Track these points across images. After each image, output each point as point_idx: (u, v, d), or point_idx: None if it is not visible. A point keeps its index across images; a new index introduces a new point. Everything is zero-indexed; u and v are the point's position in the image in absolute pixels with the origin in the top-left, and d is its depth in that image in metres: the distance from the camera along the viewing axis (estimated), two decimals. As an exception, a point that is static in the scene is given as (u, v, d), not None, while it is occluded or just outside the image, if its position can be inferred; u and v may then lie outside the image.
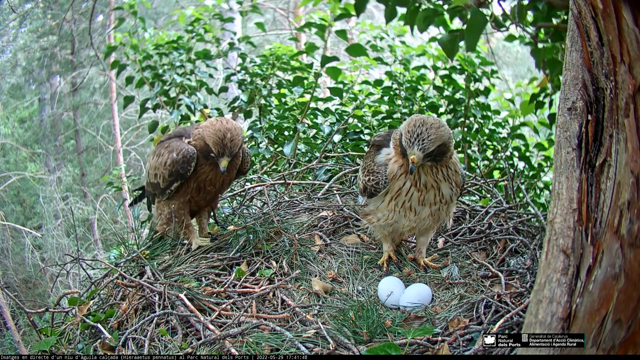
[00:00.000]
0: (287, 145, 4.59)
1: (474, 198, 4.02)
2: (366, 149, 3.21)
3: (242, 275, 2.72)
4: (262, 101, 5.20)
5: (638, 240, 1.48)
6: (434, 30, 4.98)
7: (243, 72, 5.29)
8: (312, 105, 4.94)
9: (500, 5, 4.27)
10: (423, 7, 3.95)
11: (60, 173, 14.55)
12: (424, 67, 5.20)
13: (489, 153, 5.34)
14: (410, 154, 2.38)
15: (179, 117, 5.25)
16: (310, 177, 4.33)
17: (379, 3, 4.13)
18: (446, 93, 5.18)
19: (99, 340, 2.38)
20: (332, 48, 13.05)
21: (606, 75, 1.59)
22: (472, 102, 5.05)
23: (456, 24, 4.49)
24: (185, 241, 3.12)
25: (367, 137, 4.75)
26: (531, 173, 5.19)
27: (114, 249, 3.45)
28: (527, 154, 5.21)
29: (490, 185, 3.85)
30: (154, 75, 5.37)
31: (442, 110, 5.21)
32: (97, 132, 15.32)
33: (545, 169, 5.19)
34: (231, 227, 3.04)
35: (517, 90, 5.48)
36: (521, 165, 5.13)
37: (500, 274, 2.63)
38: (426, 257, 2.91)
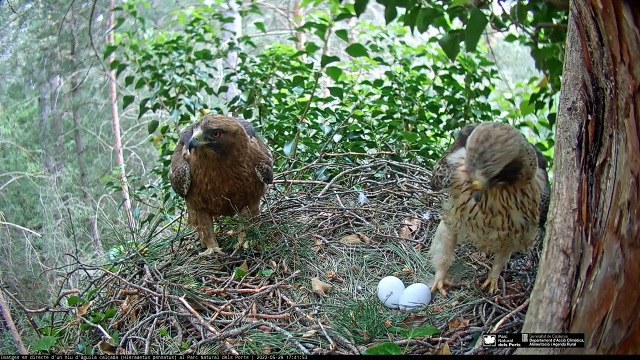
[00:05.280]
0: (287, 145, 4.59)
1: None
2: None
3: (242, 276, 2.72)
4: (262, 101, 5.20)
5: (638, 240, 1.48)
6: (434, 31, 4.98)
7: (243, 72, 5.29)
8: (312, 105, 4.94)
9: (500, 5, 4.28)
10: (423, 7, 3.95)
11: (60, 173, 14.54)
12: (424, 67, 5.19)
13: (489, 153, 5.32)
14: (473, 179, 2.02)
15: (179, 117, 5.25)
16: (310, 177, 4.33)
17: (379, 3, 4.13)
18: (446, 93, 5.18)
19: (100, 341, 2.38)
20: (332, 48, 13.05)
21: (606, 75, 1.59)
22: (472, 102, 5.05)
23: (456, 24, 4.49)
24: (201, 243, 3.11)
25: (367, 137, 4.76)
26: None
27: (113, 247, 3.46)
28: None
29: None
30: (154, 75, 5.37)
31: (442, 110, 5.21)
32: (97, 132, 15.31)
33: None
34: (230, 232, 3.04)
35: (517, 90, 5.48)
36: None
37: (500, 275, 2.62)
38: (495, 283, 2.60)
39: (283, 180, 4.07)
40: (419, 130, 4.99)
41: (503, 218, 2.25)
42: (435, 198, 3.55)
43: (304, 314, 2.38)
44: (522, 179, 2.13)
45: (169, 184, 3.05)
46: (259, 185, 2.97)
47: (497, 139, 1.96)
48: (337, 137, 4.59)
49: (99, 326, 2.44)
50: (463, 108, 5.09)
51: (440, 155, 4.20)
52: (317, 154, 4.41)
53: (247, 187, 2.89)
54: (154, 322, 2.38)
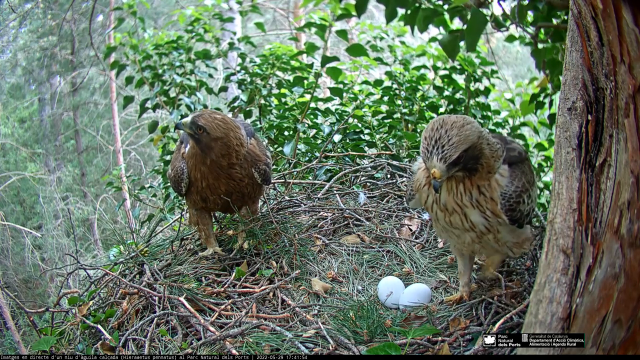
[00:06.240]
0: (287, 145, 4.59)
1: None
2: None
3: (242, 276, 2.72)
4: (262, 101, 5.20)
5: (638, 240, 1.48)
6: (434, 31, 4.98)
7: (243, 72, 5.29)
8: (312, 105, 4.94)
9: (500, 5, 4.27)
10: (423, 7, 3.94)
11: (60, 173, 14.55)
12: (424, 67, 5.19)
13: (489, 153, 5.32)
14: (430, 167, 1.91)
15: (179, 117, 5.25)
16: (310, 177, 4.33)
17: (379, 3, 4.13)
18: (446, 93, 5.18)
19: (100, 341, 2.38)
20: (332, 48, 13.04)
21: (606, 75, 1.59)
22: (472, 102, 5.05)
23: (456, 24, 4.49)
24: (202, 243, 3.12)
25: (367, 137, 4.76)
26: (531, 173, 5.18)
27: (113, 247, 3.46)
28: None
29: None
30: (154, 75, 5.37)
31: (442, 110, 5.21)
32: (97, 132, 15.32)
33: (545, 169, 5.19)
34: (230, 232, 3.05)
35: (517, 90, 5.48)
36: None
37: (499, 274, 2.62)
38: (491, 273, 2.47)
39: (283, 180, 4.07)
40: (419, 130, 4.99)
41: (460, 217, 2.14)
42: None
43: (304, 314, 2.38)
44: (482, 171, 2.04)
45: (169, 183, 3.07)
46: (256, 186, 2.96)
47: (453, 124, 1.92)
48: (337, 137, 4.60)
49: (99, 326, 2.44)
50: (463, 108, 5.09)
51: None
52: (317, 154, 4.41)
53: (243, 187, 2.89)
54: (154, 322, 2.38)
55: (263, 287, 2.62)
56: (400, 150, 4.55)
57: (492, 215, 2.11)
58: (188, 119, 2.66)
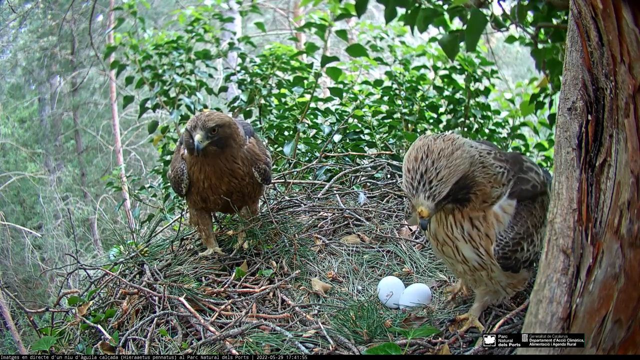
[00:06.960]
0: (287, 145, 4.59)
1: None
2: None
3: (242, 276, 2.72)
4: (262, 101, 5.20)
5: (638, 240, 1.48)
6: (434, 31, 4.99)
7: (243, 72, 5.29)
8: (312, 105, 4.94)
9: (500, 5, 4.28)
10: (423, 7, 3.94)
11: (60, 173, 14.55)
12: (424, 67, 5.20)
13: (489, 153, 5.32)
14: (417, 205, 1.66)
15: (179, 117, 5.25)
16: (310, 177, 4.33)
17: (379, 3, 4.13)
18: (446, 93, 5.19)
19: (100, 341, 2.38)
20: (332, 48, 13.05)
21: (606, 75, 1.59)
22: (472, 102, 5.05)
23: (456, 24, 4.49)
24: (202, 243, 3.12)
25: (367, 137, 4.75)
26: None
27: (113, 247, 3.46)
28: (527, 154, 5.21)
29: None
30: (154, 75, 5.37)
31: (442, 110, 5.21)
32: (97, 132, 15.33)
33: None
34: (230, 232, 3.04)
35: (517, 90, 5.49)
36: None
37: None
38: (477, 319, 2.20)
39: (283, 180, 4.07)
40: (419, 130, 5.00)
41: (452, 249, 1.93)
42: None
43: (304, 314, 2.38)
44: (476, 201, 1.79)
45: (169, 184, 3.08)
46: (256, 185, 2.96)
47: (440, 153, 1.64)
48: (337, 137, 4.60)
49: (99, 326, 2.44)
50: (463, 108, 5.09)
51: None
52: (317, 154, 4.41)
53: (244, 187, 2.89)
54: (154, 322, 2.38)
55: (263, 287, 2.62)
56: (400, 150, 4.55)
57: (486, 254, 1.87)
58: (201, 134, 2.63)
